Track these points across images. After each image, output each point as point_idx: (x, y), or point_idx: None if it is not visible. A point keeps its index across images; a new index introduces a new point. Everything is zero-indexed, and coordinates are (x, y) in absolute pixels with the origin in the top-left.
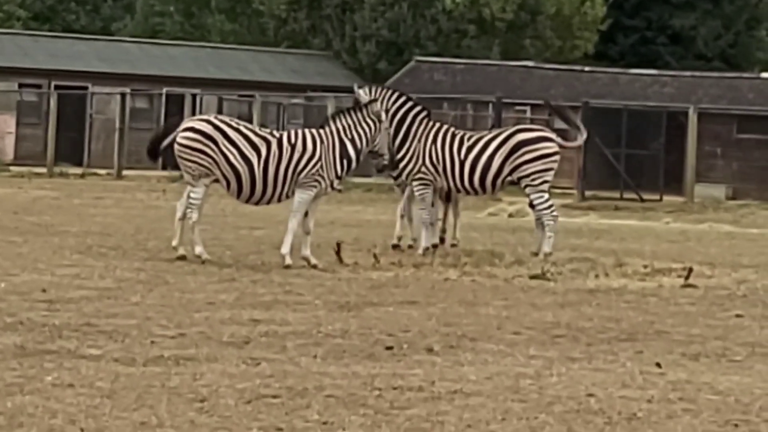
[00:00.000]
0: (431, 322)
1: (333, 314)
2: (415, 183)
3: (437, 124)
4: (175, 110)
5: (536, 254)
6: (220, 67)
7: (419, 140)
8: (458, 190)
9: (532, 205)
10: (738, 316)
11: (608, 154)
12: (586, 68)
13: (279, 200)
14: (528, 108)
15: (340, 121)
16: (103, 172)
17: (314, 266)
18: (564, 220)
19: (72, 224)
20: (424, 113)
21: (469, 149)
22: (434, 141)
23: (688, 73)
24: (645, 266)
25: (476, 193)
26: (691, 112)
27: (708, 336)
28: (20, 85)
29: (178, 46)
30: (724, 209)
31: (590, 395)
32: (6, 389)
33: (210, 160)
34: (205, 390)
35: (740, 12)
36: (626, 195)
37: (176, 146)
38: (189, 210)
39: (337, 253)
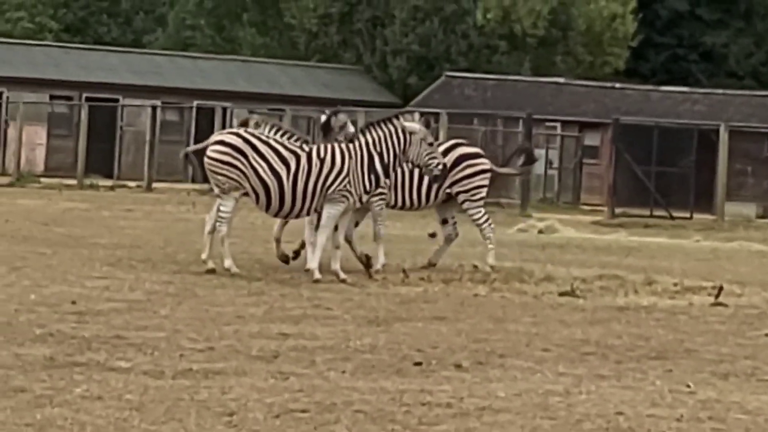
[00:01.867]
0: (460, 338)
1: (362, 329)
2: (374, 199)
3: None
4: (205, 123)
5: (476, 267)
6: (251, 80)
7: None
8: (402, 204)
9: (444, 221)
10: None
11: (638, 172)
12: (617, 85)
13: (308, 214)
14: (558, 124)
15: (370, 134)
16: (133, 184)
17: (343, 281)
18: (594, 237)
19: (102, 236)
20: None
21: None
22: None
23: (719, 91)
24: (675, 284)
25: (418, 205)
26: (722, 130)
27: (738, 355)
28: (51, 97)
29: (209, 60)
30: (754, 228)
31: (619, 413)
32: (35, 401)
33: (239, 173)
34: (233, 404)
35: None
36: (656, 212)
37: (206, 159)
38: (218, 223)
39: (366, 267)
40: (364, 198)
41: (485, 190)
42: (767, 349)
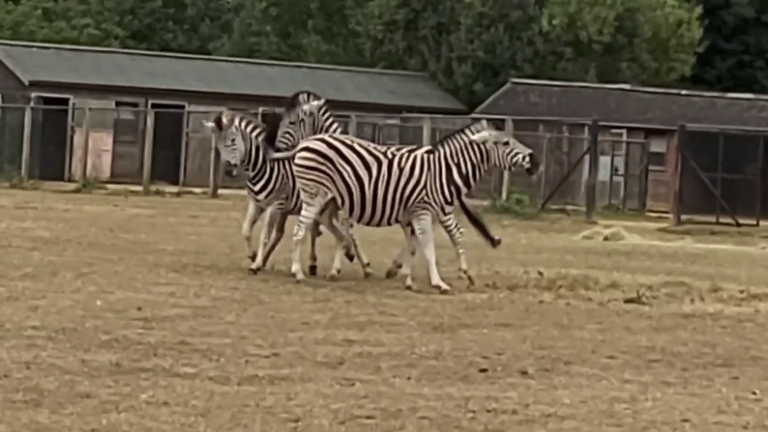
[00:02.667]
0: (525, 344)
1: (427, 336)
2: None
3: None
4: (269, 130)
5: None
6: (316, 87)
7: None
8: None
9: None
10: None
11: (704, 178)
12: (683, 92)
13: (389, 223)
14: (624, 131)
15: (448, 146)
16: (198, 190)
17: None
18: (659, 244)
19: (167, 242)
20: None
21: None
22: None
23: None
24: (741, 291)
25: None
26: None
27: None
28: (117, 104)
29: (274, 66)
30: None
31: (685, 420)
32: (101, 406)
33: (327, 178)
34: (299, 410)
35: None
36: (722, 219)
37: (294, 167)
38: (297, 227)
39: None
40: (447, 209)
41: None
42: None
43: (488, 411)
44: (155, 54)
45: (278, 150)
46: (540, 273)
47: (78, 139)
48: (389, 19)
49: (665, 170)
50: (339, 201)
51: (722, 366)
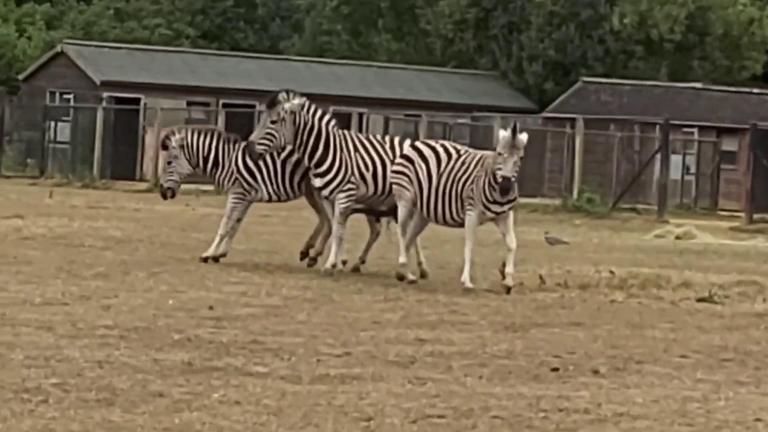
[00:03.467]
0: (597, 344)
1: (498, 335)
2: (341, 195)
3: (349, 133)
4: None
5: (612, 272)
6: (387, 86)
7: (341, 150)
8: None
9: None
10: None
11: None
12: (755, 90)
13: (453, 220)
14: (696, 130)
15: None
16: None
17: (508, 290)
18: (731, 243)
19: (239, 242)
20: (333, 122)
21: (393, 152)
22: (356, 150)
23: None
24: None
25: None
26: None
27: None
28: (188, 103)
29: (345, 66)
30: None
31: (758, 420)
32: (174, 405)
33: (407, 179)
34: (370, 409)
35: None
36: None
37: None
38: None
39: (502, 273)
40: (494, 208)
41: None
42: None
43: (560, 410)
44: (226, 54)
45: (253, 152)
46: (611, 272)
47: (149, 138)
48: (460, 18)
49: (737, 169)
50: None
51: None
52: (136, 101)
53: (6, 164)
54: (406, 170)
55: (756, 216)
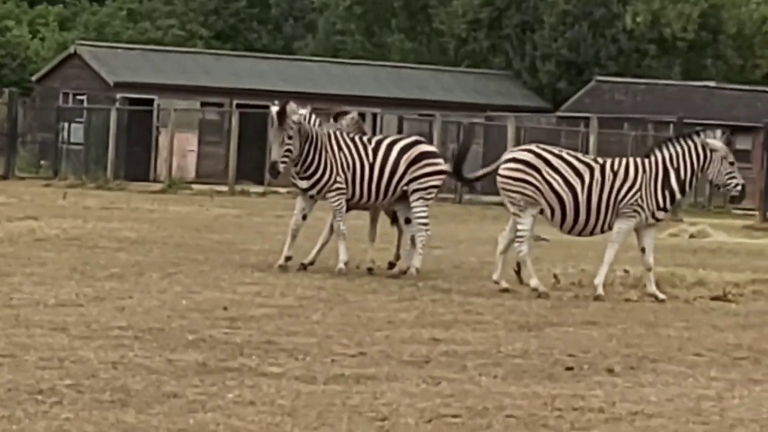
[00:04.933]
0: (612, 342)
1: (513, 334)
2: (332, 194)
3: (334, 132)
4: None
5: (400, 269)
6: (401, 86)
7: (326, 150)
8: (367, 197)
9: (408, 220)
10: None
11: None
12: None
13: (602, 230)
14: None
15: (667, 150)
16: (284, 190)
17: (659, 299)
18: (746, 242)
19: (253, 242)
20: (318, 120)
21: (375, 153)
22: (340, 149)
23: None
24: None
25: (377, 199)
26: None
27: None
28: (202, 104)
29: (359, 65)
30: None
31: None
32: (188, 406)
33: (534, 189)
34: (385, 409)
35: None
36: None
37: (499, 178)
38: (517, 243)
39: (517, 272)
40: (659, 214)
41: (437, 191)
42: None
43: (575, 409)
44: (240, 54)
45: (277, 171)
46: (626, 271)
47: (163, 139)
48: (473, 17)
49: (750, 167)
50: (548, 212)
51: None
52: (150, 102)
53: (20, 165)
54: (530, 178)
55: None
